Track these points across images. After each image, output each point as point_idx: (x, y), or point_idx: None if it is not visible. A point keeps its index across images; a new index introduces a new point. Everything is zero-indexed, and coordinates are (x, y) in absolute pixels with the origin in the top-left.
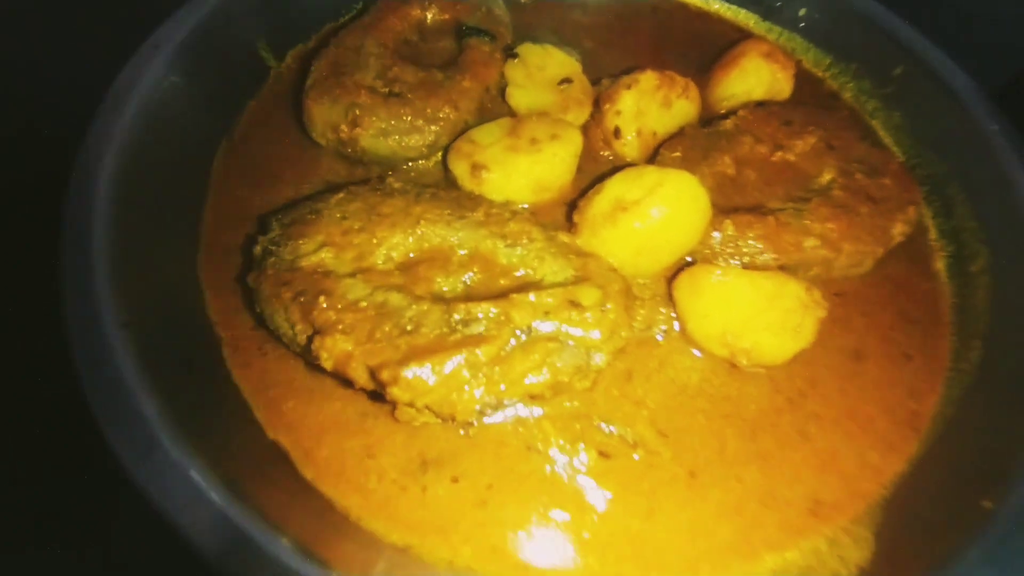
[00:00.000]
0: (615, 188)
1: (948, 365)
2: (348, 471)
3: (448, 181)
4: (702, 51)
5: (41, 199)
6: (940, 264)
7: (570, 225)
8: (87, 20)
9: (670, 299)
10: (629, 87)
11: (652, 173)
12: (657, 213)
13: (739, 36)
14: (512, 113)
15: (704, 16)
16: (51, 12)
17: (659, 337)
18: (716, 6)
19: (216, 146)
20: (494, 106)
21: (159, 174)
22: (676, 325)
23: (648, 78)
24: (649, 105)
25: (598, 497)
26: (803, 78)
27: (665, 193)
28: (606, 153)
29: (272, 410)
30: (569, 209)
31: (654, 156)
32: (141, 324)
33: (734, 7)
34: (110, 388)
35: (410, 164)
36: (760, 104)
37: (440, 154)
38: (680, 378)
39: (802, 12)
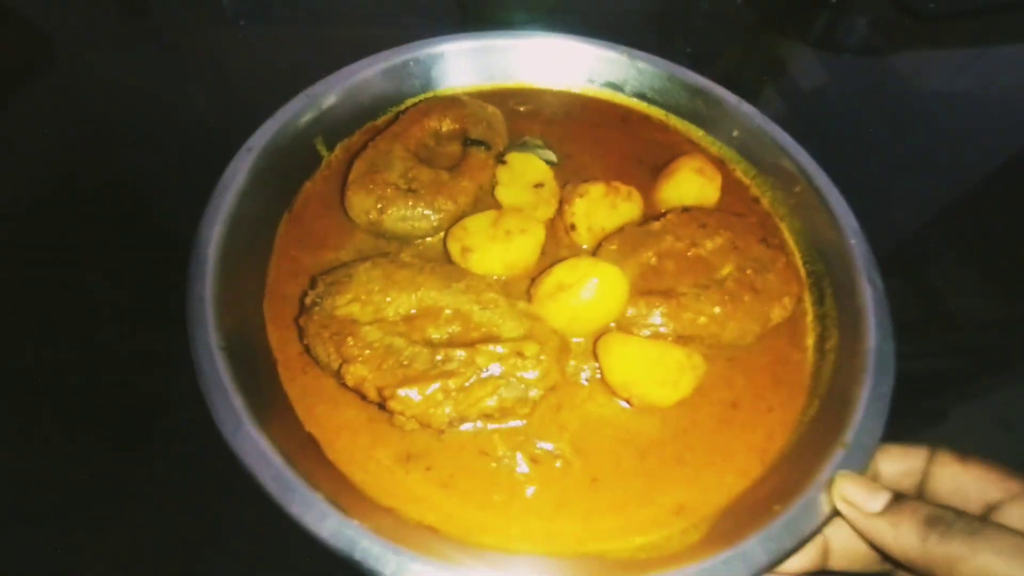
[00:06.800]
0: (558, 274)
1: (796, 417)
2: (357, 457)
3: (446, 255)
4: (657, 157)
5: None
6: (810, 341)
7: (528, 296)
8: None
9: (595, 355)
10: (582, 196)
11: (586, 264)
12: (586, 295)
13: (688, 147)
14: (499, 206)
15: (663, 127)
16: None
17: (584, 381)
18: (672, 120)
19: (279, 218)
20: (487, 198)
21: (242, 240)
22: (598, 374)
23: (596, 189)
24: (598, 209)
25: (526, 489)
26: (734, 184)
27: (593, 280)
28: (566, 241)
29: (309, 411)
30: (531, 283)
31: (599, 246)
32: (230, 347)
33: (685, 122)
34: (214, 386)
35: (419, 241)
36: (685, 209)
37: (443, 234)
38: (596, 411)
39: (735, 133)
